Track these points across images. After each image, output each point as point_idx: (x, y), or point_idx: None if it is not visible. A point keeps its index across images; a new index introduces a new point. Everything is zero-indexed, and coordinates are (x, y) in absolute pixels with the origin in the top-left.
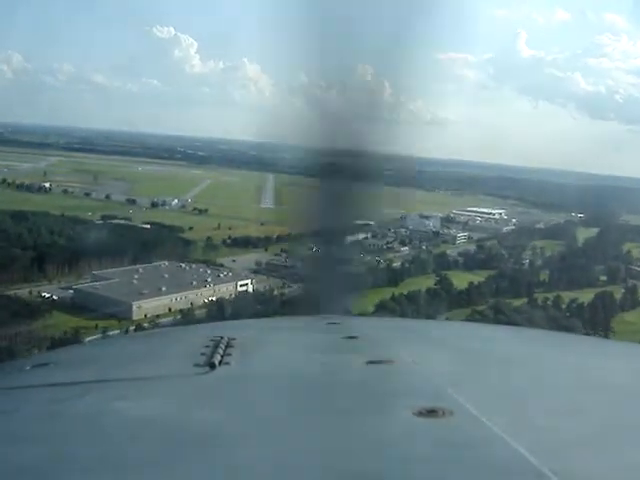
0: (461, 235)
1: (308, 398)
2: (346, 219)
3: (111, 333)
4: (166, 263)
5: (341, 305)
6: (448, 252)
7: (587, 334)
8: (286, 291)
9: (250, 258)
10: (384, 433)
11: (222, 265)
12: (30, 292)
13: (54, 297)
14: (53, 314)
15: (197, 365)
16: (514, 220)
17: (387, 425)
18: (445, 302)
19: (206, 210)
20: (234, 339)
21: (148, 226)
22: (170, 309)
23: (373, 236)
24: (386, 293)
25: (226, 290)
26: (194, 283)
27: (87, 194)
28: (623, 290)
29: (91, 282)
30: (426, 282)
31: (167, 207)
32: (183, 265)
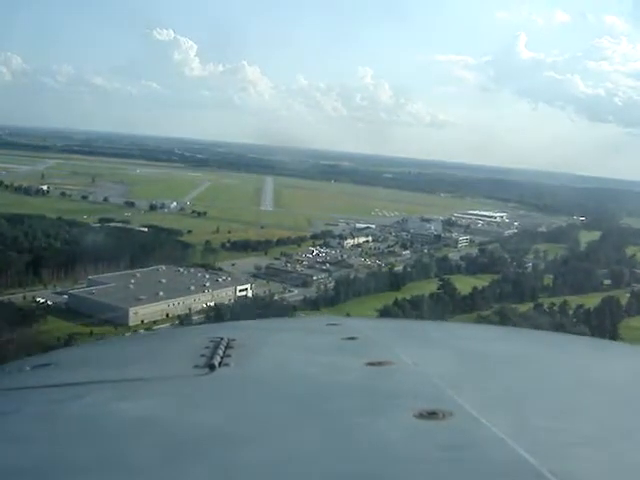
0: (463, 238)
1: (308, 399)
2: None
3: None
4: (164, 267)
5: None
6: (450, 256)
7: None
8: (287, 295)
9: (250, 262)
10: (384, 435)
11: (221, 269)
12: (24, 297)
13: (49, 302)
14: (47, 320)
15: (197, 366)
16: (516, 223)
17: (387, 427)
18: (449, 307)
19: (205, 213)
20: (234, 340)
21: (146, 229)
22: (167, 315)
23: (374, 239)
24: (388, 298)
25: (225, 295)
26: (192, 288)
27: (84, 197)
28: (628, 295)
29: (87, 287)
30: (429, 286)
31: (166, 210)
32: (181, 269)
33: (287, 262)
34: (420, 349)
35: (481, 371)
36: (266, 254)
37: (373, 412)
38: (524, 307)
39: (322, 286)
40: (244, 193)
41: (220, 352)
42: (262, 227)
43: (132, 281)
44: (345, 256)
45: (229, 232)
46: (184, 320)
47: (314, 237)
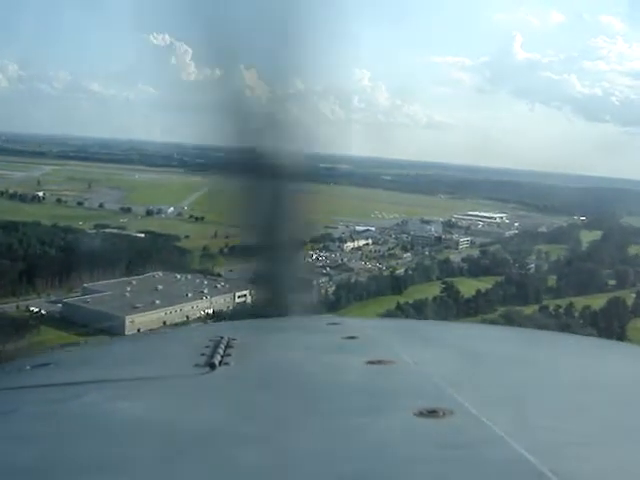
0: (464, 240)
1: (308, 398)
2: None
3: None
4: (160, 274)
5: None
6: (451, 258)
7: None
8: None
9: (248, 267)
10: (384, 433)
11: (219, 275)
12: (18, 306)
13: (42, 312)
14: (41, 330)
15: (197, 365)
16: (516, 224)
17: (387, 425)
18: (453, 311)
19: (203, 218)
20: (234, 339)
21: (142, 235)
22: (165, 323)
23: (374, 242)
24: (391, 301)
25: (223, 301)
26: (190, 295)
27: (80, 203)
28: (634, 295)
29: (82, 295)
30: (431, 289)
31: (163, 215)
32: (178, 276)
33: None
34: (421, 348)
35: (482, 370)
36: None
37: (373, 410)
38: (529, 309)
39: (323, 291)
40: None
41: (220, 351)
42: None
43: (128, 288)
44: (345, 259)
45: (227, 237)
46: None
47: (313, 240)
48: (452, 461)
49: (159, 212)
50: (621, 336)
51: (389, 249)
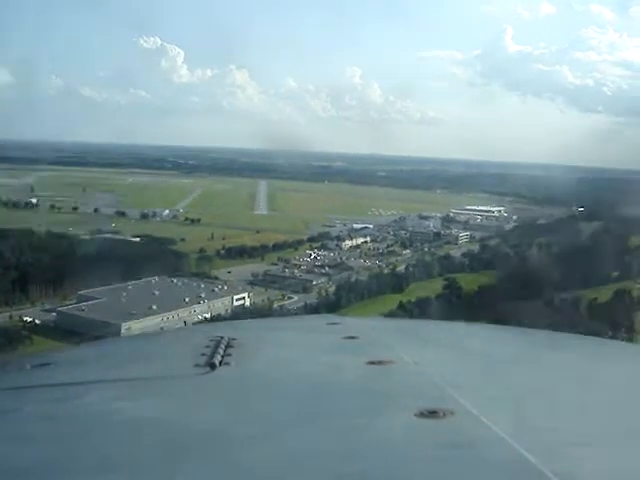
0: (463, 235)
1: (308, 399)
2: None
3: None
4: (157, 278)
5: None
6: (452, 253)
7: (613, 338)
8: (286, 302)
9: (246, 269)
10: (385, 434)
11: (217, 278)
12: (10, 316)
13: (36, 321)
14: (34, 340)
15: (197, 365)
16: (514, 217)
17: (388, 426)
18: (457, 308)
19: (198, 220)
20: (234, 339)
21: (137, 239)
22: (162, 329)
23: (373, 240)
24: (393, 300)
25: (221, 305)
26: (187, 299)
27: (75, 208)
28: (639, 286)
29: (77, 303)
30: (433, 286)
31: (158, 218)
32: (175, 280)
33: (285, 267)
34: (421, 348)
35: (482, 370)
36: (263, 260)
37: (374, 411)
38: (534, 304)
39: (323, 291)
40: (238, 198)
41: (221, 351)
42: (257, 232)
43: (124, 294)
44: (344, 258)
45: (224, 238)
46: None
47: (311, 240)
48: (452, 461)
49: (154, 215)
50: (630, 329)
51: (388, 246)
